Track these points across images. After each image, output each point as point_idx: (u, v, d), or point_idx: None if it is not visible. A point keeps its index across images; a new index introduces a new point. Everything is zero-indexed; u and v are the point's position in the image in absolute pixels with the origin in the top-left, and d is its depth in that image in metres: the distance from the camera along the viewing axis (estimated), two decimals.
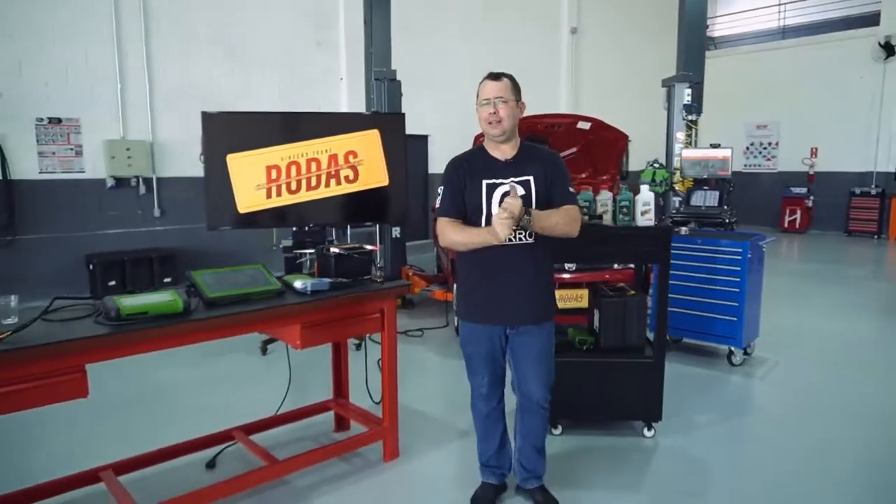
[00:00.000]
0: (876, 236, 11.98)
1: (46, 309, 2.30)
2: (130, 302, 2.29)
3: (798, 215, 12.92)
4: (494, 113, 2.44)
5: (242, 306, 2.55)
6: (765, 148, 13.81)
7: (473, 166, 2.53)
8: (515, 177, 2.48)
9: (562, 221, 2.45)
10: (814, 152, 12.95)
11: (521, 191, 2.44)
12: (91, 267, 6.71)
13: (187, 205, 7.59)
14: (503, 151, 2.53)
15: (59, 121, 6.67)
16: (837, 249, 10.95)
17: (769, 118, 13.58)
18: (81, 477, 2.63)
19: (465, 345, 2.67)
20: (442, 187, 2.56)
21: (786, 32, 14.17)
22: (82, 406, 3.78)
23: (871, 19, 12.39)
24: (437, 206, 2.55)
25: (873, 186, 12.11)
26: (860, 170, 12.37)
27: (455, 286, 2.77)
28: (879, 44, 11.80)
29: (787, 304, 6.53)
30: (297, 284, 2.79)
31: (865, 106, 12.16)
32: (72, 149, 6.79)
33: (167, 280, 6.95)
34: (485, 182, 2.48)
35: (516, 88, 2.50)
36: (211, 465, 3.09)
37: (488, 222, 2.44)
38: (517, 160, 2.53)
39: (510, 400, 2.75)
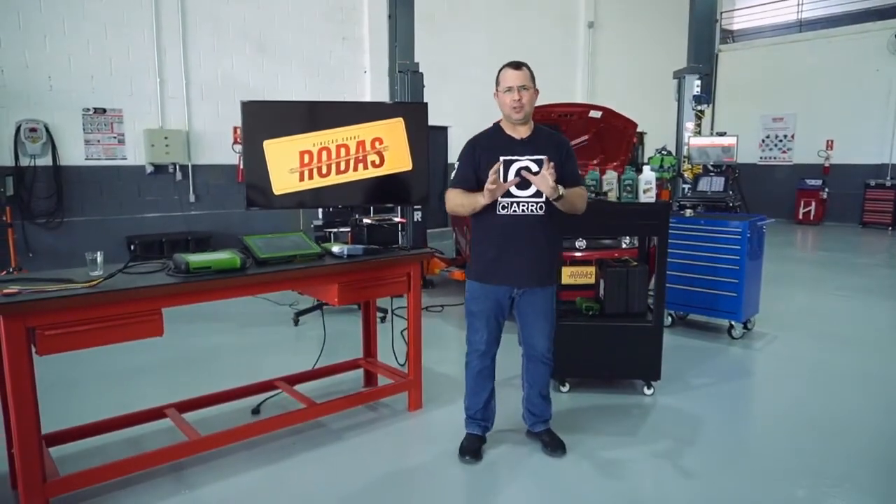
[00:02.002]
0: (890, 228, 12.09)
1: (126, 264, 2.70)
2: (197, 258, 2.70)
3: (812, 207, 13.07)
4: (518, 99, 2.77)
5: (288, 266, 2.95)
6: (780, 140, 13.95)
7: (491, 144, 2.87)
8: (531, 154, 2.80)
9: (579, 201, 2.84)
10: (829, 144, 13.07)
11: (534, 168, 2.77)
12: (132, 248, 7.17)
13: (220, 191, 8.07)
14: (519, 132, 2.86)
15: (104, 111, 7.15)
16: (851, 240, 11.10)
17: (785, 111, 13.70)
18: (151, 412, 3.06)
19: (471, 302, 2.95)
20: (458, 163, 2.90)
21: (803, 25, 14.27)
22: (143, 362, 4.26)
23: (888, 12, 12.47)
24: (452, 178, 2.90)
25: (888, 178, 12.23)
26: (875, 162, 12.49)
27: (471, 252, 3.07)
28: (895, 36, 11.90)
29: (794, 288, 6.81)
30: (335, 249, 3.18)
31: (881, 98, 12.26)
32: (115, 137, 7.27)
33: None
34: (502, 158, 2.79)
35: (533, 76, 2.84)
36: (256, 411, 3.49)
37: (505, 193, 2.78)
38: (531, 140, 2.86)
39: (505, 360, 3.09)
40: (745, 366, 4.47)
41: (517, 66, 2.81)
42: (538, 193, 2.78)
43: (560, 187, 2.68)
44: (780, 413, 3.59)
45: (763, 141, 14.11)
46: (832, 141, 13.02)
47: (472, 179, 2.85)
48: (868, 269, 8.39)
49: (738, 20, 15.65)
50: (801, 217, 13.17)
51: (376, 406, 3.59)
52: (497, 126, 2.96)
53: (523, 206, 2.81)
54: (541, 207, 2.81)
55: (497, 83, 2.85)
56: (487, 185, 2.65)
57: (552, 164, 2.65)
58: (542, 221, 2.84)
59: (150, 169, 7.51)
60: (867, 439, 3.26)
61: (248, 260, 2.86)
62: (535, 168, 2.78)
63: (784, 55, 13.76)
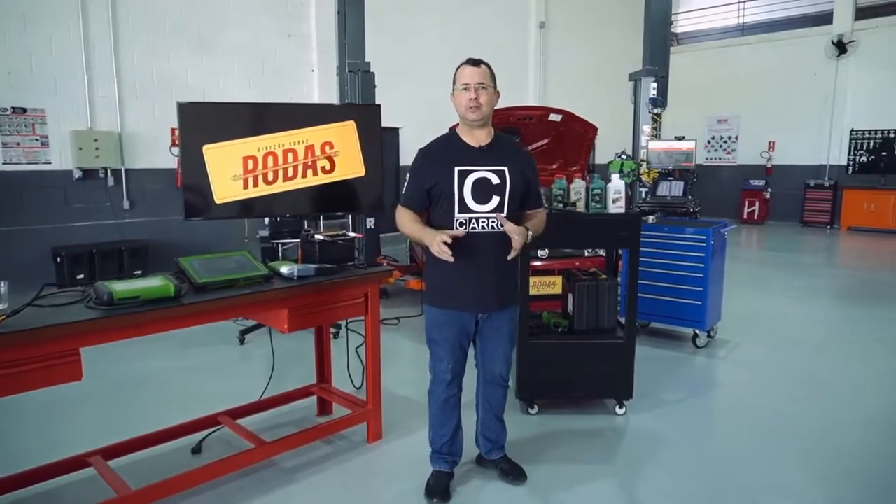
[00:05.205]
0: (829, 226, 12.51)
1: (37, 295, 2.32)
2: (122, 287, 2.34)
3: (756, 207, 13.41)
4: (475, 98, 2.49)
5: (231, 291, 2.62)
6: (725, 141, 14.26)
7: (446, 153, 2.60)
8: (489, 165, 2.54)
9: (542, 228, 2.66)
10: (771, 146, 13.43)
11: (494, 180, 2.55)
12: (59, 260, 6.57)
13: (157, 196, 7.53)
14: (477, 138, 2.59)
15: (24, 111, 6.53)
16: (793, 239, 11.43)
17: (729, 112, 14.01)
18: (70, 462, 2.66)
19: (434, 330, 2.68)
20: (409, 175, 2.63)
21: (745, 29, 14.62)
22: (63, 395, 3.79)
23: (825, 18, 12.88)
24: (403, 192, 2.64)
25: (826, 179, 12.64)
26: (814, 163, 12.89)
27: (425, 274, 2.79)
28: (832, 42, 12.30)
29: (746, 290, 6.85)
30: (284, 270, 2.86)
31: (819, 101, 12.66)
32: (37, 139, 6.65)
33: (138, 273, 6.87)
34: (457, 169, 2.52)
35: (493, 76, 2.58)
36: (197, 450, 3.13)
37: (461, 208, 2.52)
38: (491, 148, 2.59)
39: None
40: (712, 377, 4.39)
41: (476, 63, 2.56)
42: (499, 207, 2.54)
43: (529, 231, 2.51)
44: (755, 425, 3.49)
45: (709, 142, 14.39)
46: (774, 142, 13.39)
47: (424, 196, 2.58)
48: (813, 268, 8.60)
49: (682, 24, 15.93)
50: (745, 217, 13.50)
51: (332, 439, 3.28)
52: (453, 132, 2.68)
53: (483, 222, 2.55)
54: (501, 224, 2.54)
55: (454, 82, 2.59)
56: (437, 248, 2.36)
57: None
58: (502, 239, 2.55)
59: (78, 174, 6.91)
60: (842, 445, 3.18)
61: (183, 286, 2.52)
62: (494, 180, 2.54)
63: (727, 58, 14.06)
